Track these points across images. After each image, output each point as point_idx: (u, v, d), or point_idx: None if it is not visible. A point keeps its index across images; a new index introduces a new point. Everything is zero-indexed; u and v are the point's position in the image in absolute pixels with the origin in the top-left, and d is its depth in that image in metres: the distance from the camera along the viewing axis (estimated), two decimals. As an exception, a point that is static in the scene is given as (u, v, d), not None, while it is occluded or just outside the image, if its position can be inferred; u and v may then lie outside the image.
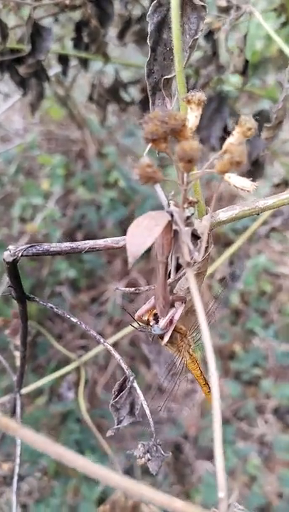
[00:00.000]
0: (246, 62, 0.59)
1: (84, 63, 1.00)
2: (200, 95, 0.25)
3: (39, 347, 1.60)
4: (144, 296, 1.69)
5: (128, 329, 0.76)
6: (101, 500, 1.43)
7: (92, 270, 1.80)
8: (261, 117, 0.90)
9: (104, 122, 1.05)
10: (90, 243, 0.30)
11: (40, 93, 0.97)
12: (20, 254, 0.29)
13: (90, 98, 1.01)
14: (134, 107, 1.11)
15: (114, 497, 0.64)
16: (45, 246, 0.30)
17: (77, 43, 0.96)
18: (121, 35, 0.87)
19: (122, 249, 0.27)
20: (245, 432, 1.66)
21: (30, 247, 0.30)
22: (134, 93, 1.12)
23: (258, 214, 0.32)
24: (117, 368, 1.65)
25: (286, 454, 1.55)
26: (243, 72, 0.60)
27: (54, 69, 1.12)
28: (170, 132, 0.22)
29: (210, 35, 0.69)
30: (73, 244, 0.30)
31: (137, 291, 0.34)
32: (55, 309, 0.36)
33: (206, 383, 0.41)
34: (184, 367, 0.38)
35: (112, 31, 0.99)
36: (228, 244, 1.47)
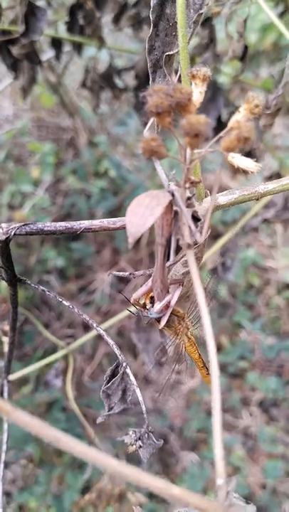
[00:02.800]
0: (246, 47, 0.58)
1: (78, 48, 0.98)
2: (205, 70, 0.24)
3: (26, 335, 1.59)
4: (134, 285, 1.69)
5: (116, 318, 0.76)
6: (85, 489, 1.43)
7: (80, 259, 1.79)
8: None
9: (97, 109, 1.04)
10: (85, 223, 0.29)
11: (33, 77, 0.95)
12: (13, 233, 0.28)
13: (83, 84, 0.99)
14: (127, 96, 1.09)
15: (99, 485, 0.64)
16: (39, 225, 0.29)
17: (71, 26, 0.95)
18: (116, 20, 0.85)
19: (116, 231, 0.26)
20: (230, 423, 1.67)
21: (23, 225, 0.29)
22: (127, 80, 1.10)
23: (258, 199, 0.31)
24: (104, 358, 1.65)
25: (270, 445, 1.57)
26: (242, 58, 0.59)
27: (46, 54, 1.10)
28: (175, 106, 0.21)
29: (207, 21, 0.68)
30: (68, 224, 0.29)
31: (132, 276, 0.33)
32: (47, 292, 0.35)
33: (204, 366, 0.41)
34: (181, 350, 0.38)
35: (107, 17, 0.98)
36: (216, 236, 1.47)
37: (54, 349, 1.62)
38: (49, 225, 0.29)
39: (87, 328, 1.69)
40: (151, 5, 0.32)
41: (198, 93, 0.24)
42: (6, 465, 0.73)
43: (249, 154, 0.88)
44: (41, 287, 0.35)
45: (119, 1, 0.82)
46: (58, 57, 1.02)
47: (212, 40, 0.67)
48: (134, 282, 1.73)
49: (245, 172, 0.23)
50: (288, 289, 1.87)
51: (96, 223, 0.29)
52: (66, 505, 1.40)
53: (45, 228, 0.29)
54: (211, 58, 0.68)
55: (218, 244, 0.70)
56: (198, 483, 1.47)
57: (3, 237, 0.28)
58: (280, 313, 1.83)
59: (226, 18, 0.54)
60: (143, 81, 0.95)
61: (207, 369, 0.40)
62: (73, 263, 1.78)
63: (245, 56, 0.59)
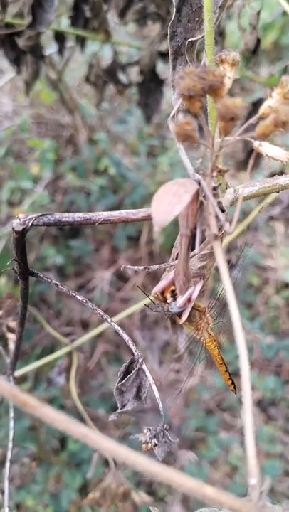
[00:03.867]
0: (258, 40, 0.57)
1: (81, 42, 0.97)
2: (234, 55, 0.23)
3: (24, 332, 1.58)
4: (132, 284, 1.68)
5: (122, 315, 0.75)
6: (83, 488, 1.42)
7: (79, 257, 1.78)
8: (259, 107, 0.88)
9: (100, 105, 1.03)
10: (104, 214, 0.28)
11: (36, 71, 0.94)
12: (30, 224, 0.27)
13: (87, 79, 0.98)
14: (127, 93, 1.08)
15: (104, 484, 0.63)
16: (57, 216, 0.28)
17: (75, 20, 0.94)
18: (122, 14, 0.85)
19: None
20: (228, 422, 1.67)
21: (41, 215, 0.28)
22: (130, 77, 1.09)
23: (278, 192, 0.31)
24: (103, 356, 1.64)
25: (268, 445, 1.56)
26: (254, 51, 0.58)
27: (48, 49, 1.09)
28: (208, 89, 0.20)
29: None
30: (87, 215, 0.28)
31: (147, 269, 0.32)
32: (60, 286, 0.34)
33: (223, 363, 0.40)
34: (202, 346, 0.37)
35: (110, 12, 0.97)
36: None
37: (53, 346, 1.61)
38: (67, 215, 0.28)
39: (85, 326, 1.68)
40: (175, -11, 0.31)
41: (226, 78, 0.23)
42: (12, 463, 0.72)
43: (252, 152, 0.87)
44: (54, 281, 0.34)
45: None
46: (60, 51, 1.01)
47: (221, 33, 0.66)
48: (132, 281, 1.72)
49: (274, 160, 0.23)
50: (287, 289, 1.87)
51: (115, 214, 0.28)
52: (64, 504, 1.39)
53: (63, 219, 0.28)
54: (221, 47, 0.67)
55: (225, 241, 0.70)
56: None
57: (20, 228, 0.27)
58: (278, 312, 1.83)
59: (239, 9, 0.53)
60: (148, 77, 0.94)
61: (226, 366, 0.40)
62: (72, 261, 1.77)
63: (257, 49, 0.58)
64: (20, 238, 0.28)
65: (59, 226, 0.28)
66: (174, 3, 0.31)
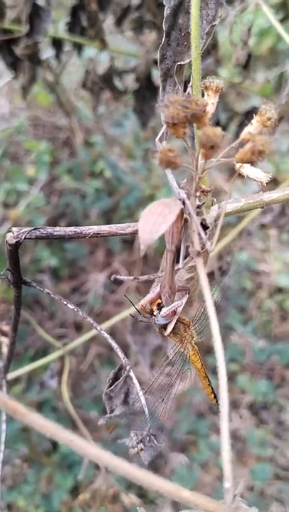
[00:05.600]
0: (249, 55, 0.59)
1: (78, 48, 0.98)
2: (218, 82, 0.25)
3: (17, 334, 1.58)
4: (126, 287, 1.69)
5: (113, 320, 0.76)
6: (74, 489, 1.43)
7: (73, 260, 1.79)
8: (252, 115, 0.90)
9: (96, 110, 1.04)
10: (94, 228, 0.29)
11: (33, 76, 0.95)
12: (23, 237, 0.29)
13: (84, 85, 0.99)
14: (124, 97, 1.09)
15: (94, 486, 0.64)
16: (49, 229, 0.29)
17: (72, 27, 0.95)
18: (119, 22, 0.86)
19: (127, 235, 0.27)
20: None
21: (33, 229, 0.29)
22: (126, 82, 1.10)
23: (263, 207, 0.32)
24: (96, 358, 1.65)
25: (259, 448, 1.58)
26: (246, 66, 0.60)
27: (45, 53, 1.10)
28: (191, 117, 0.22)
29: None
30: (77, 229, 0.29)
31: (136, 280, 0.33)
32: (52, 295, 0.35)
33: (206, 376, 0.41)
34: (185, 358, 0.38)
35: (107, 19, 0.98)
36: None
37: (46, 349, 1.62)
38: (58, 229, 0.29)
39: (79, 328, 1.69)
40: (165, 15, 0.33)
41: (210, 104, 0.25)
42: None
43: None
44: (46, 290, 0.35)
45: (122, 4, 0.83)
46: (58, 56, 1.03)
47: (214, 45, 0.67)
48: (126, 284, 1.74)
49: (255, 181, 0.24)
50: (280, 293, 1.89)
51: (105, 229, 0.30)
52: (55, 505, 1.40)
53: (55, 233, 0.29)
54: (213, 64, 0.68)
55: (216, 248, 0.71)
56: (187, 484, 1.47)
57: (14, 241, 0.28)
58: (271, 316, 1.85)
59: (231, 26, 0.55)
60: (143, 84, 0.95)
61: (209, 379, 0.41)
62: (67, 263, 1.78)
63: (248, 64, 0.60)
64: (14, 250, 0.29)
65: (51, 239, 0.29)
66: (163, 28, 0.32)
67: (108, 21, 0.98)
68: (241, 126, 0.90)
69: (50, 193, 1.86)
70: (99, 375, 1.61)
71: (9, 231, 0.29)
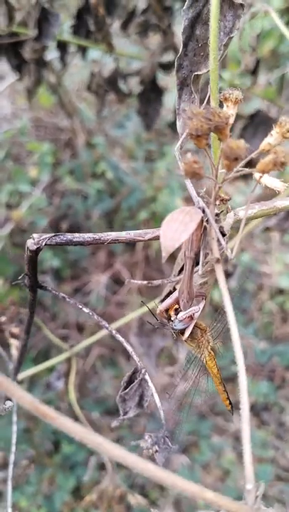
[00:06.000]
0: (258, 61, 0.59)
1: (82, 50, 0.99)
2: (237, 93, 0.25)
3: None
4: (128, 288, 1.69)
5: (116, 324, 0.76)
6: (76, 490, 1.43)
7: (76, 260, 1.79)
8: (258, 117, 0.90)
9: (101, 113, 1.04)
10: (112, 235, 0.30)
11: (38, 79, 0.96)
12: (43, 243, 0.29)
13: (88, 88, 1.00)
14: (129, 99, 1.10)
15: (101, 486, 0.65)
16: (69, 236, 0.30)
17: (77, 29, 0.95)
18: (124, 26, 0.86)
19: (146, 241, 0.27)
20: (221, 427, 1.69)
21: (53, 236, 0.30)
22: (130, 84, 1.11)
23: (276, 214, 0.33)
24: (97, 360, 1.65)
25: (260, 449, 1.58)
26: (254, 72, 0.60)
27: (49, 55, 1.10)
28: (214, 129, 0.22)
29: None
30: (96, 236, 0.30)
31: (149, 284, 0.34)
32: (67, 299, 0.36)
33: (222, 382, 0.42)
34: (202, 363, 0.39)
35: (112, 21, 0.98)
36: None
37: (48, 350, 1.62)
38: (78, 236, 0.30)
39: (81, 329, 1.69)
40: (182, 26, 0.33)
41: (231, 115, 0.25)
42: (7, 465, 0.73)
43: (249, 163, 0.89)
44: (61, 294, 0.35)
45: (128, 8, 0.83)
46: (62, 58, 1.03)
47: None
48: (128, 286, 1.74)
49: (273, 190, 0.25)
50: (281, 295, 1.89)
51: (123, 235, 0.30)
52: (57, 506, 1.41)
53: (74, 239, 0.30)
54: (220, 68, 0.69)
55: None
56: (189, 485, 1.48)
57: (34, 247, 0.29)
58: (272, 318, 1.85)
59: (240, 32, 0.55)
60: (148, 87, 0.96)
61: (224, 385, 0.41)
62: (69, 264, 1.78)
63: (257, 70, 0.60)
64: (34, 256, 0.30)
65: (70, 245, 0.30)
66: (181, 38, 0.33)
67: (114, 24, 0.98)
68: (245, 129, 0.90)
69: (52, 194, 1.87)
70: (101, 376, 1.62)
71: (30, 237, 0.30)
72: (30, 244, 0.29)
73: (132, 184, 1.84)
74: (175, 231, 0.23)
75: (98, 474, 1.29)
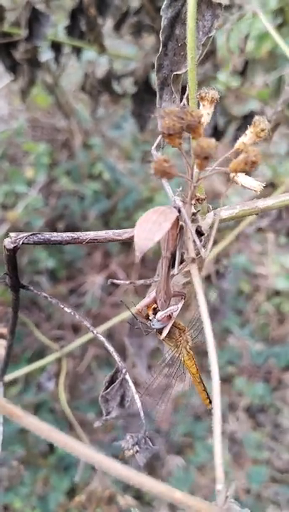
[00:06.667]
0: (246, 62, 0.59)
1: (77, 51, 0.99)
2: (213, 93, 0.25)
3: (14, 336, 1.59)
4: (124, 289, 1.69)
5: (110, 322, 0.76)
6: (70, 491, 1.43)
7: (71, 261, 1.79)
8: (251, 118, 0.90)
9: (95, 113, 1.04)
10: (91, 234, 0.30)
11: (32, 79, 0.96)
12: (21, 242, 0.29)
13: (83, 88, 1.00)
14: (123, 100, 1.10)
15: (90, 488, 0.64)
16: (47, 235, 0.30)
17: (71, 30, 0.95)
18: (117, 27, 0.86)
19: (124, 241, 0.27)
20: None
21: (31, 235, 0.29)
22: (125, 85, 1.11)
23: (258, 214, 0.32)
24: (93, 360, 1.65)
25: (255, 451, 1.58)
26: (242, 73, 0.60)
27: (44, 55, 1.10)
28: (186, 128, 0.22)
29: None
30: (74, 235, 0.30)
31: (132, 284, 0.34)
32: (49, 298, 0.36)
33: (201, 381, 0.42)
34: (180, 363, 0.39)
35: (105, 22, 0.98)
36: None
37: (43, 350, 1.62)
38: (56, 235, 0.30)
39: (76, 329, 1.69)
40: (162, 26, 0.33)
41: (205, 114, 0.25)
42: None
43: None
44: (43, 293, 0.35)
45: (121, 8, 0.83)
46: (57, 59, 1.03)
47: (213, 51, 0.68)
48: (124, 286, 1.74)
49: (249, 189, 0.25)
50: (278, 296, 1.89)
51: (102, 234, 0.30)
52: (51, 507, 1.40)
53: (52, 238, 0.30)
54: (211, 69, 0.69)
55: (213, 251, 0.72)
56: (184, 487, 1.48)
57: (11, 246, 0.29)
58: (269, 319, 1.85)
59: (228, 33, 0.55)
60: (142, 87, 0.96)
61: (204, 384, 0.41)
62: (64, 265, 1.78)
63: (245, 70, 0.60)
64: (12, 255, 0.30)
65: (48, 244, 0.29)
66: (160, 38, 0.33)
67: (107, 25, 0.98)
68: (239, 130, 0.90)
69: (48, 194, 1.87)
70: (96, 376, 1.62)
71: (7, 236, 0.29)
72: (8, 243, 0.29)
73: (129, 185, 1.84)
74: (149, 231, 0.23)
75: (92, 475, 1.29)
